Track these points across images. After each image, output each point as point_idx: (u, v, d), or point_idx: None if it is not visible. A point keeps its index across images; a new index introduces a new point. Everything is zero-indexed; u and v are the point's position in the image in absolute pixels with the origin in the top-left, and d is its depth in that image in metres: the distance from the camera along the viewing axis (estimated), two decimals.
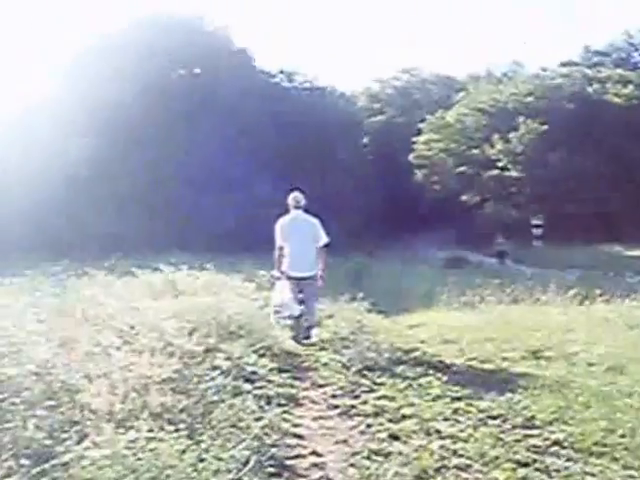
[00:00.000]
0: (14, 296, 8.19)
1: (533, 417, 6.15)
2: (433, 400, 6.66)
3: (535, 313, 12.09)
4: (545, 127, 45.81)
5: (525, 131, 46.62)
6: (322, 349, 9.24)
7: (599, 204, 42.61)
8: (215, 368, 6.72)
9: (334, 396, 6.97)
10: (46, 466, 3.88)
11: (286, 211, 10.15)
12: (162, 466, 4.08)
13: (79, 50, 37.84)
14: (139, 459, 4.13)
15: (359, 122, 54.44)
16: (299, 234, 9.85)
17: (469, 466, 5.04)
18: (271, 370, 7.64)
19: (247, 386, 6.63)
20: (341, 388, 7.21)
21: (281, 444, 5.38)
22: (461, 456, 5.19)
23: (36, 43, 38.03)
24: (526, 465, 5.08)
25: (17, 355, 5.04)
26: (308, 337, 9.74)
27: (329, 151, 43.74)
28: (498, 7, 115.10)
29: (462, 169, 51.21)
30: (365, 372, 7.74)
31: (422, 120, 55.69)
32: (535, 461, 5.16)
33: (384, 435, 5.63)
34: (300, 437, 5.70)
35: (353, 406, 6.54)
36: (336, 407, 6.58)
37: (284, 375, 7.62)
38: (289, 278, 9.83)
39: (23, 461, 3.89)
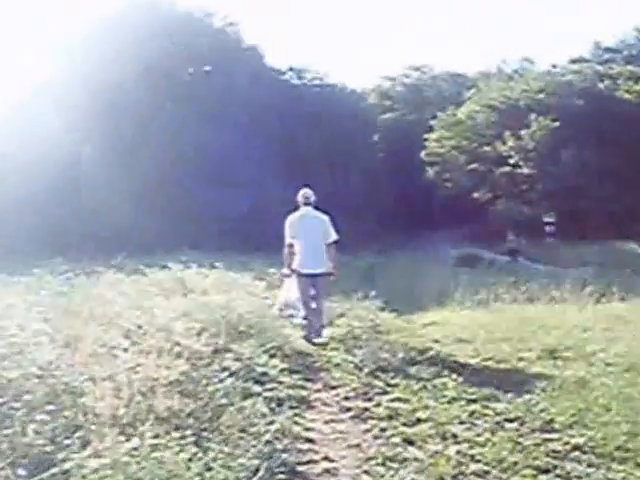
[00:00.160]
0: (20, 295, 8.06)
1: (552, 420, 5.97)
2: (448, 402, 6.49)
3: (551, 311, 11.90)
4: (556, 124, 45.52)
5: (537, 128, 46.26)
6: (334, 349, 9.09)
7: (611, 201, 42.26)
8: (224, 369, 6.58)
9: (346, 398, 6.83)
10: (45, 475, 3.70)
11: (295, 208, 10.05)
12: (167, 476, 3.90)
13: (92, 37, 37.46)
14: (142, 468, 3.94)
15: (370, 119, 54.18)
16: (309, 230, 9.76)
17: (487, 472, 4.87)
18: (282, 371, 7.49)
19: (257, 388, 6.50)
20: (354, 390, 7.06)
21: (292, 449, 5.23)
22: (479, 462, 5.02)
23: (37, 27, 37.16)
24: (546, 471, 4.90)
25: (19, 357, 4.88)
26: (319, 335, 9.61)
27: (340, 148, 43.53)
28: (507, 3, 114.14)
29: (474, 166, 50.90)
30: (378, 373, 7.58)
31: (433, 117, 55.43)
32: (555, 467, 4.98)
33: (398, 440, 5.46)
34: (312, 441, 5.56)
35: (366, 409, 6.38)
36: (348, 410, 6.43)
37: (295, 376, 7.48)
38: (300, 275, 9.70)
39: (20, 471, 3.71)
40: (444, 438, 5.49)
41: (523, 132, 46.86)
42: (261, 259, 18.52)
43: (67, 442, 4.18)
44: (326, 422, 6.10)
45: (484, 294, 13.68)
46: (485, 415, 6.11)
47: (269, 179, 35.47)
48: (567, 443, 5.42)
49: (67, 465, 3.84)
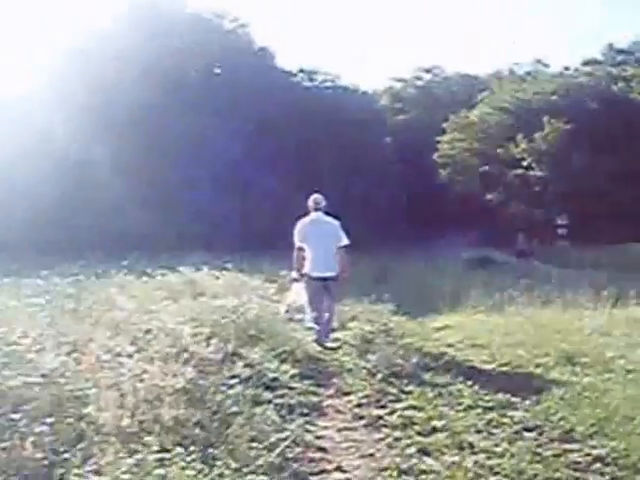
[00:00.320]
0: (26, 298, 7.93)
1: (572, 429, 5.78)
2: (464, 410, 6.29)
3: (567, 315, 11.67)
4: (569, 126, 45.27)
5: (549, 130, 46.07)
6: (346, 354, 8.93)
7: (624, 203, 42.05)
8: (233, 376, 6.42)
9: (359, 405, 6.66)
10: None
11: (305, 214, 10.02)
12: None
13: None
14: None
15: (382, 121, 54.00)
16: (320, 235, 9.72)
17: None
18: (293, 377, 7.35)
19: (267, 395, 6.37)
20: (367, 396, 6.87)
21: (304, 458, 5.07)
22: (497, 474, 4.82)
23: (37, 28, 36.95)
24: None
25: (20, 365, 4.69)
26: (328, 336, 9.54)
27: (352, 150, 43.36)
28: (518, 4, 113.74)
29: (486, 168, 50.69)
30: (392, 379, 7.40)
31: (445, 119, 55.23)
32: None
33: (413, 450, 5.25)
34: (324, 450, 5.39)
35: (380, 417, 6.20)
36: (361, 418, 6.26)
37: (307, 382, 7.33)
38: (311, 279, 9.58)
39: None
40: (461, 448, 5.28)
41: (536, 134, 46.61)
42: (272, 262, 18.38)
43: (67, 456, 3.99)
44: (338, 430, 5.93)
45: (498, 297, 13.47)
46: (503, 424, 5.92)
47: (281, 182, 35.39)
48: (588, 454, 5.24)
49: None
